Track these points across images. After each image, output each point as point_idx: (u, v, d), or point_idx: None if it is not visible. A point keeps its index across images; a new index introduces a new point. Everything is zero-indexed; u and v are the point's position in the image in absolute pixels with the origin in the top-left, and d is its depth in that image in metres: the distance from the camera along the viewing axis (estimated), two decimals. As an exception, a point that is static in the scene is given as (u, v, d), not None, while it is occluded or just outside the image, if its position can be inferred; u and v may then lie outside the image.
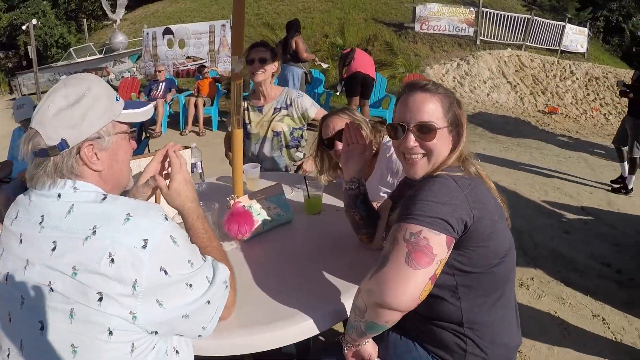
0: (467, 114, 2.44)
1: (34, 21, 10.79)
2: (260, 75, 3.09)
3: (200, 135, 8.86)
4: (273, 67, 3.14)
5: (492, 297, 1.47)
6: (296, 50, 7.89)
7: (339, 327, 2.30)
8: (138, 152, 4.90)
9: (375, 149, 2.40)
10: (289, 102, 3.20)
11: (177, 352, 1.23)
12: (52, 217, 1.12)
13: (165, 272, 1.10)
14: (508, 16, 14.98)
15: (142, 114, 1.37)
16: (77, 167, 1.19)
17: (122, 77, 13.55)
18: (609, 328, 3.25)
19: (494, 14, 14.83)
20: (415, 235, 1.26)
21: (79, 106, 1.17)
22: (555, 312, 3.41)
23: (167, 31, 11.86)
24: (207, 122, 9.39)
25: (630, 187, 6.40)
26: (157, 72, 9.55)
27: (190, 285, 1.15)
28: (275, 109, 3.19)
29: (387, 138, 2.41)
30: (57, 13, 21.26)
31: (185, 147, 2.10)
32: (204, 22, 12.50)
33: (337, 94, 8.81)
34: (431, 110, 1.47)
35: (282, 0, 18.36)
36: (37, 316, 1.07)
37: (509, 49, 14.89)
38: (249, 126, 3.26)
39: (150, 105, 1.45)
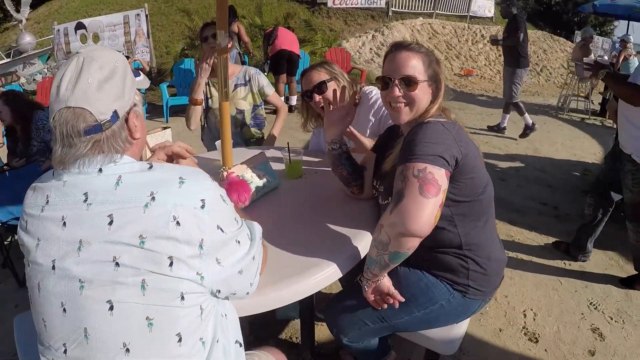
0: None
1: None
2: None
3: (130, 129, 8.55)
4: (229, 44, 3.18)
5: (481, 221, 1.71)
6: (239, 33, 8.20)
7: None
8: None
9: (357, 99, 2.59)
10: (247, 78, 3.29)
11: (225, 315, 1.24)
12: (99, 192, 1.06)
13: (222, 230, 1.12)
14: (418, -14, 15.40)
15: (145, 80, 1.39)
16: (128, 137, 1.17)
17: (34, 80, 12.68)
18: (558, 256, 3.64)
19: (404, -16, 15.17)
20: (422, 172, 1.44)
21: (118, 76, 1.14)
22: (509, 247, 3.75)
23: (80, 26, 11.23)
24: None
25: (530, 123, 7.05)
26: (78, 69, 9.11)
27: (239, 242, 1.19)
28: (235, 85, 3.26)
29: (366, 88, 2.64)
30: (-45, 18, 19.62)
31: (165, 128, 2.16)
32: (117, 13, 12.02)
33: (265, 73, 8.85)
34: (414, 65, 1.67)
35: (191, -16, 17.90)
36: (104, 296, 1.02)
37: (421, 18, 15.33)
38: (210, 100, 3.34)
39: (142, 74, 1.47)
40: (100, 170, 1.09)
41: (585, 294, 3.17)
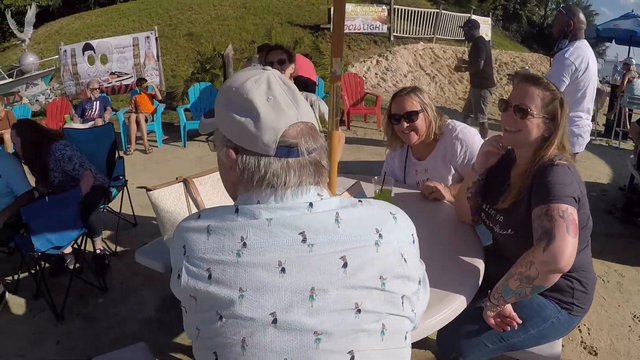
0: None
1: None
2: None
3: (147, 153, 8.29)
4: (290, 68, 3.26)
5: (583, 245, 1.87)
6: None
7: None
8: (117, 173, 4.64)
9: (438, 133, 2.66)
10: (309, 104, 3.35)
11: None
12: (319, 232, 0.94)
13: (422, 262, 1.11)
14: (418, 12, 15.85)
15: None
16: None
17: (37, 100, 12.67)
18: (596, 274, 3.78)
19: (405, 10, 15.60)
20: (565, 212, 1.60)
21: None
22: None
23: (87, 47, 11.23)
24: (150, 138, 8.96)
25: None
26: (91, 91, 9.00)
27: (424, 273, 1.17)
28: (298, 111, 3.33)
29: (449, 122, 2.69)
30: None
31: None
32: (126, 35, 12.06)
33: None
34: (533, 98, 1.80)
35: (193, 9, 18.05)
36: (345, 347, 0.91)
37: (422, 43, 15.71)
38: None
39: None
40: (311, 204, 0.96)
41: (628, 308, 3.36)
